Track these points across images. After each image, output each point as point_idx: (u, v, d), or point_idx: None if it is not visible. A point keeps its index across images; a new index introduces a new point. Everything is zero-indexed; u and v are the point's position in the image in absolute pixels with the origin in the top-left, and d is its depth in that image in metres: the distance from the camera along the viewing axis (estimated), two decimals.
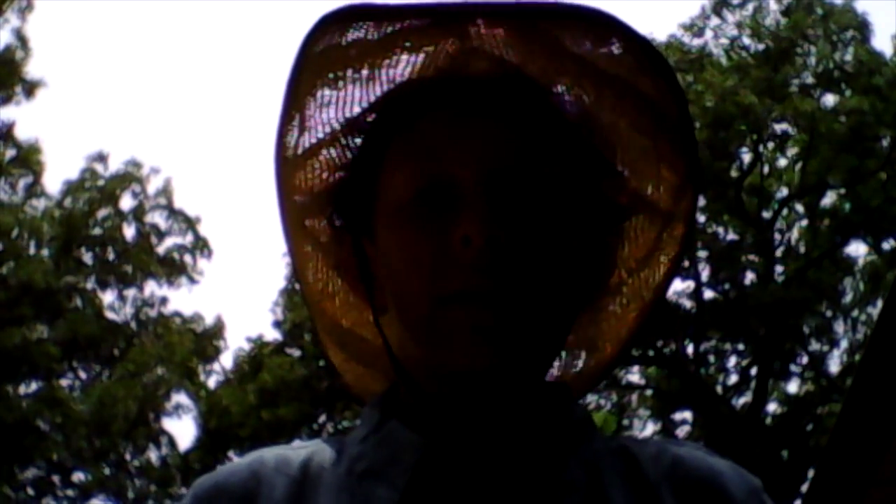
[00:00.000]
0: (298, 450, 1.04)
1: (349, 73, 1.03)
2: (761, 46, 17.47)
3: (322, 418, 18.43)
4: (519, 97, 1.01)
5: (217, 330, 20.23)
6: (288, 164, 1.08)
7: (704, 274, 17.60)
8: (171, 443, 19.50)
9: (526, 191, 0.98)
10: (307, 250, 1.12)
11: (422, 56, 1.02)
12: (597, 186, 1.05)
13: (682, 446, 1.05)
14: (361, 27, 1.00)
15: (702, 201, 16.96)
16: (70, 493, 19.16)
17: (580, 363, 1.13)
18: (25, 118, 37.71)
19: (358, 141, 1.07)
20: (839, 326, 17.71)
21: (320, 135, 1.07)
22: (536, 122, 1.01)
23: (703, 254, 17.62)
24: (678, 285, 17.45)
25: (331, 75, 1.04)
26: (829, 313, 17.69)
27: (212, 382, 20.00)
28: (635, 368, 18.25)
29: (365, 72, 1.03)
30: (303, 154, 1.08)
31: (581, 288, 1.04)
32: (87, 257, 19.61)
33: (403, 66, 1.03)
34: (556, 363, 1.12)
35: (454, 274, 0.95)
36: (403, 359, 1.03)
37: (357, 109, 1.05)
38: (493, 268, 0.94)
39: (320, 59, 1.03)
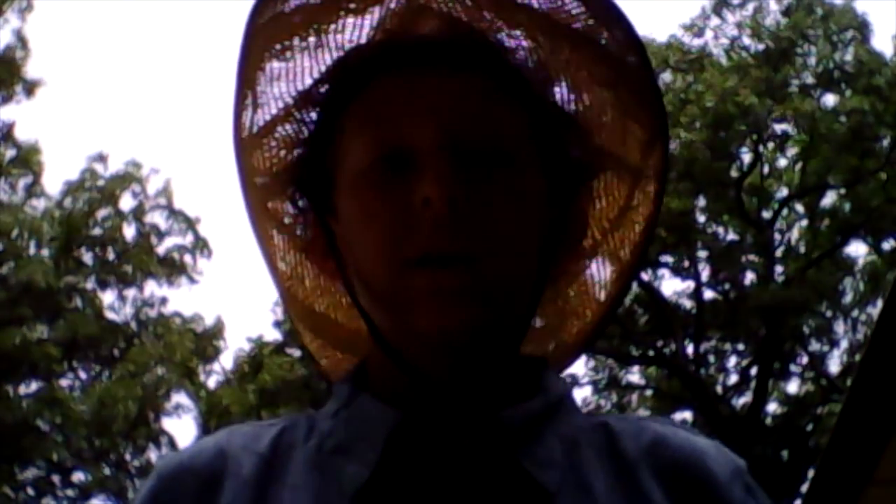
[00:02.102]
0: (269, 427, 1.01)
1: (296, 41, 1.01)
2: (761, 46, 17.45)
3: None
4: (472, 55, 0.99)
5: (217, 330, 20.22)
6: (245, 145, 1.06)
7: (704, 274, 17.62)
8: (171, 443, 19.49)
9: (485, 150, 0.95)
10: (273, 234, 1.10)
11: (368, 18, 0.99)
12: (559, 143, 1.02)
13: (664, 424, 1.03)
14: None
15: (702, 201, 16.98)
16: (70, 493, 19.15)
17: (562, 333, 1.10)
18: (25, 118, 37.66)
19: (313, 115, 1.04)
20: (839, 326, 17.72)
21: (274, 111, 1.04)
22: (491, 79, 0.99)
23: (703, 254, 17.62)
24: (678, 285, 17.52)
25: (278, 46, 1.01)
26: (829, 313, 17.68)
27: (212, 382, 20.02)
28: (635, 368, 18.26)
29: (312, 39, 1.01)
30: (258, 133, 1.05)
31: (552, 247, 1.02)
32: (87, 257, 19.59)
33: (351, 30, 1.00)
34: (538, 335, 1.09)
35: (417, 236, 0.92)
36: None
37: (308, 81, 1.03)
38: (455, 228, 0.92)
39: (266, 29, 1.00)
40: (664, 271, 17.55)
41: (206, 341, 20.00)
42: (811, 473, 11.03)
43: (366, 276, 0.97)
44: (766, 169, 17.54)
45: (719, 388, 17.97)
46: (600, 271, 1.09)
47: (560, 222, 1.02)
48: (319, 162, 1.03)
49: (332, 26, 1.00)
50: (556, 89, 1.02)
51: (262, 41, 1.01)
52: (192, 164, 37.15)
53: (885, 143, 16.48)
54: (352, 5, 0.99)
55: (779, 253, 17.78)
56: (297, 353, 18.23)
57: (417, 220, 0.92)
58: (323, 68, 1.02)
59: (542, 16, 0.99)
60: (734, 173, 17.24)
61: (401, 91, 0.98)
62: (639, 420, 1.04)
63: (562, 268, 1.06)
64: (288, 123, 1.05)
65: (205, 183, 38.76)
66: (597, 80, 1.02)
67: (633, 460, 0.97)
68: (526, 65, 1.01)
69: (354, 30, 1.00)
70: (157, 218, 19.92)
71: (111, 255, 19.64)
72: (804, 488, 14.12)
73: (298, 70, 1.02)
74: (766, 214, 17.69)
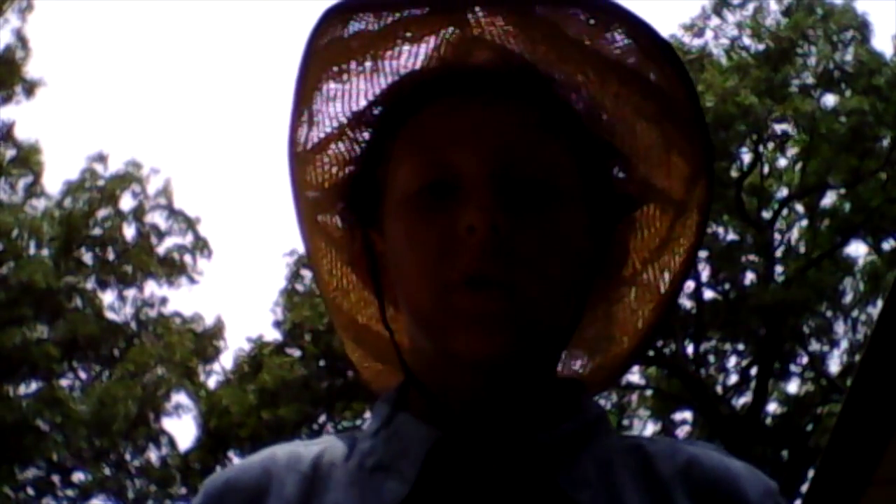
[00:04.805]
0: (310, 446, 1.04)
1: (353, 65, 1.04)
2: (761, 47, 17.46)
3: (322, 418, 18.43)
4: (522, 86, 1.01)
5: (217, 330, 20.23)
6: (299, 160, 1.09)
7: (704, 274, 17.60)
8: (171, 443, 19.51)
9: (531, 180, 0.98)
10: (321, 246, 1.13)
11: (424, 46, 1.02)
12: (604, 175, 1.05)
13: (697, 446, 1.05)
14: (362, 18, 1.01)
15: None
16: (70, 493, 19.16)
17: (598, 357, 1.13)
18: (25, 118, 37.71)
19: (365, 135, 1.08)
20: (839, 326, 17.72)
21: (328, 129, 1.08)
22: (540, 110, 1.01)
23: (703, 254, 17.61)
24: None
25: (335, 68, 1.04)
26: (829, 313, 17.68)
27: (212, 382, 20.02)
28: (635, 368, 18.24)
29: (368, 64, 1.04)
30: (312, 149, 1.09)
31: (592, 276, 1.04)
32: (87, 257, 19.60)
33: (406, 57, 1.03)
34: (575, 358, 1.12)
35: (460, 261, 0.95)
36: (415, 353, 1.03)
37: (363, 102, 1.06)
38: (497, 254, 0.94)
39: (325, 52, 1.03)
40: None
41: (206, 341, 20.00)
42: (811, 473, 11.03)
43: (408, 297, 1.00)
44: (766, 169, 17.54)
45: (719, 388, 17.97)
46: (638, 299, 1.11)
47: (601, 251, 1.05)
48: (369, 180, 1.06)
49: (389, 52, 1.03)
50: (604, 122, 1.04)
51: (320, 62, 1.04)
52: (192, 164, 37.15)
53: (885, 143, 16.48)
54: (408, 34, 1.02)
55: (779, 253, 17.79)
56: (297, 353, 18.25)
57: (461, 246, 0.95)
58: (378, 91, 1.05)
59: (593, 50, 1.01)
60: (734, 173, 17.24)
61: (451, 119, 1.00)
62: (672, 442, 1.06)
63: (600, 295, 1.08)
64: (341, 142, 1.08)
65: (205, 183, 38.76)
66: (644, 115, 1.04)
67: (668, 481, 1.00)
68: (575, 97, 1.04)
69: (410, 57, 1.03)
70: (157, 218, 19.95)
71: (111, 255, 19.65)
72: (804, 488, 14.13)
73: (354, 92, 1.06)
74: (766, 214, 17.69)
